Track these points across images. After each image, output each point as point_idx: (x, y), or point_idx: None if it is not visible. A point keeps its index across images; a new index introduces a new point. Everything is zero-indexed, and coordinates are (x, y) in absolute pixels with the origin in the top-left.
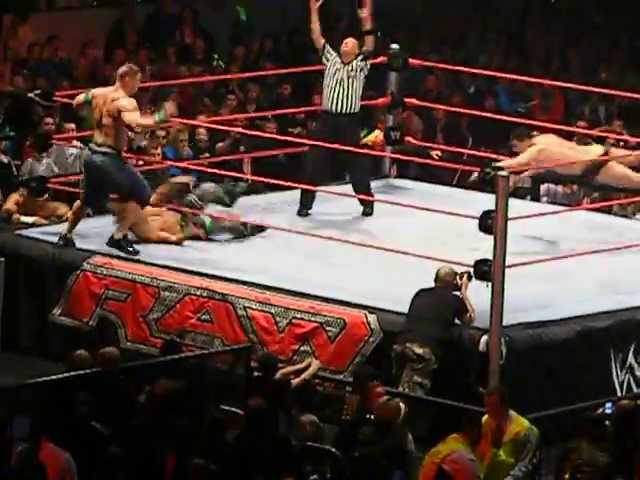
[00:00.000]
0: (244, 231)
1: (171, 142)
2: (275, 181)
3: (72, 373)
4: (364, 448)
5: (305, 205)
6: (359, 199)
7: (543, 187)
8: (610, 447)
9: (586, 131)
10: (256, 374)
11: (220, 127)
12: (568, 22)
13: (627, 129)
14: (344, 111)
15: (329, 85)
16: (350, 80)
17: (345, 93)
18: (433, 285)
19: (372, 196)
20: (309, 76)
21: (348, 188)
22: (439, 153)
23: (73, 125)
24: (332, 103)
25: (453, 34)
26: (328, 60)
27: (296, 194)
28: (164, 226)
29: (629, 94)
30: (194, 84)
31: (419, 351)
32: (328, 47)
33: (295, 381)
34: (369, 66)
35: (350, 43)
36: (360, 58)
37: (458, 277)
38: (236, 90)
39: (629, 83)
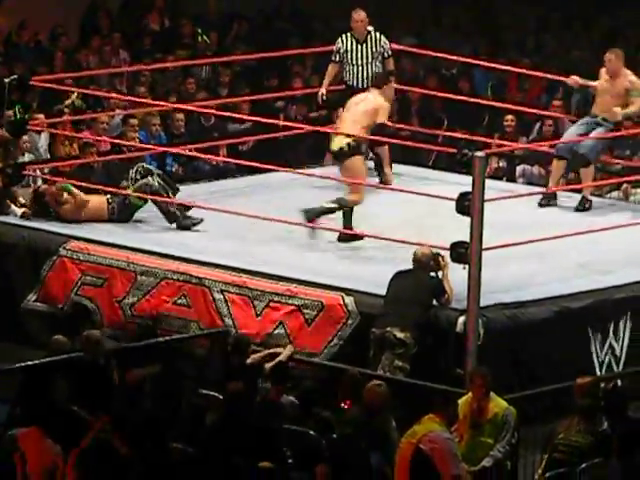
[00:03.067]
0: (178, 217)
1: (142, 126)
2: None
3: (51, 358)
4: (346, 429)
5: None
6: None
7: (519, 168)
8: (589, 427)
9: (559, 115)
10: (232, 358)
11: (191, 109)
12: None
13: None
14: (365, 85)
15: (349, 64)
16: (368, 56)
17: (364, 68)
18: (410, 267)
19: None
20: (288, 60)
21: (328, 171)
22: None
23: (42, 115)
24: (353, 79)
25: (427, 15)
26: (342, 45)
27: (270, 178)
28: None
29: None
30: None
31: (400, 335)
32: (338, 44)
33: (269, 365)
34: (388, 44)
35: (358, 16)
36: (379, 38)
37: (440, 258)
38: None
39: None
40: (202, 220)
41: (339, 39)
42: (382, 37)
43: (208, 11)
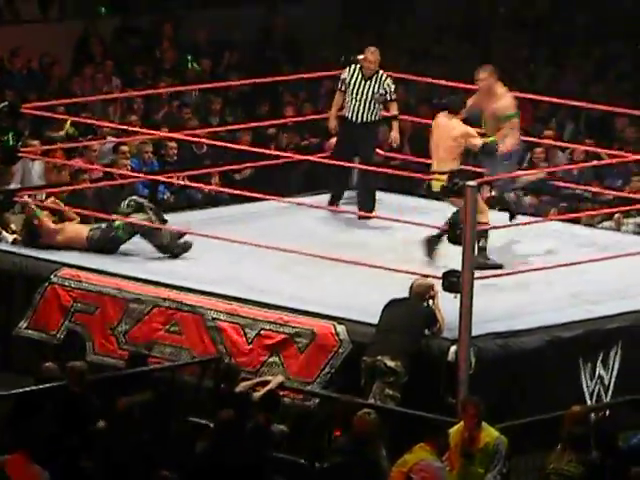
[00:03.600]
0: (172, 248)
1: (135, 153)
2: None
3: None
4: (337, 458)
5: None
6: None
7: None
8: (581, 457)
9: (553, 142)
10: (222, 386)
11: (185, 138)
12: (533, 34)
13: (593, 140)
14: (361, 121)
15: (350, 97)
16: (370, 93)
17: (364, 104)
18: (404, 296)
19: (374, 204)
20: (279, 88)
21: (320, 199)
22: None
23: (37, 142)
24: (350, 112)
25: (420, 45)
26: (347, 76)
27: (261, 206)
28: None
29: (594, 105)
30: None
31: (391, 364)
32: (344, 73)
33: (257, 394)
34: (392, 87)
35: (372, 57)
36: (385, 79)
37: (431, 287)
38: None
39: (594, 95)
40: (192, 244)
41: (346, 69)
42: (388, 79)
43: (200, 40)
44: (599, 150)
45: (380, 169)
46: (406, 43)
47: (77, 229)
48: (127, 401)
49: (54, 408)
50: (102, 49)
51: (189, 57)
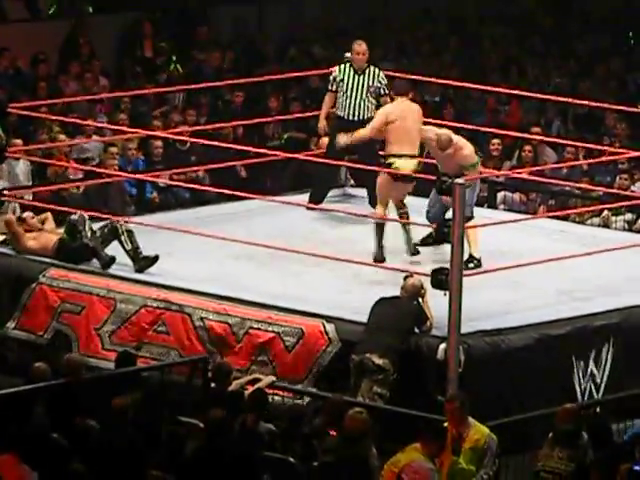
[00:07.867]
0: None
1: (120, 151)
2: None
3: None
4: (327, 457)
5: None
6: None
7: (500, 195)
8: (571, 454)
9: (541, 137)
10: (213, 385)
11: (175, 137)
12: (520, 29)
13: (581, 135)
14: (357, 118)
15: (344, 94)
16: (364, 88)
17: (359, 101)
18: (394, 294)
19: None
20: (263, 86)
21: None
22: None
23: (20, 141)
24: (345, 110)
25: (408, 42)
26: (340, 74)
27: (251, 204)
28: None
29: (583, 101)
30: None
31: (379, 362)
32: (334, 72)
33: (248, 392)
34: (385, 81)
35: (360, 48)
36: (378, 73)
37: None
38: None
39: (582, 90)
40: (157, 257)
41: (337, 67)
42: (381, 73)
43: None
44: (583, 145)
45: (369, 167)
46: (393, 40)
47: (46, 240)
48: (122, 401)
49: (44, 408)
50: (89, 48)
51: (173, 57)
